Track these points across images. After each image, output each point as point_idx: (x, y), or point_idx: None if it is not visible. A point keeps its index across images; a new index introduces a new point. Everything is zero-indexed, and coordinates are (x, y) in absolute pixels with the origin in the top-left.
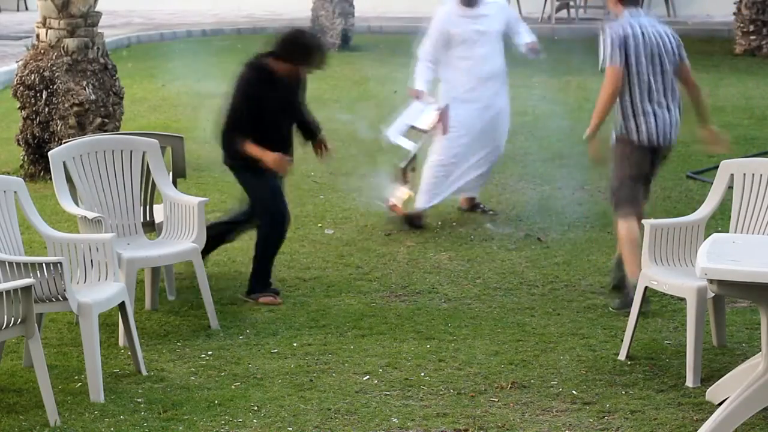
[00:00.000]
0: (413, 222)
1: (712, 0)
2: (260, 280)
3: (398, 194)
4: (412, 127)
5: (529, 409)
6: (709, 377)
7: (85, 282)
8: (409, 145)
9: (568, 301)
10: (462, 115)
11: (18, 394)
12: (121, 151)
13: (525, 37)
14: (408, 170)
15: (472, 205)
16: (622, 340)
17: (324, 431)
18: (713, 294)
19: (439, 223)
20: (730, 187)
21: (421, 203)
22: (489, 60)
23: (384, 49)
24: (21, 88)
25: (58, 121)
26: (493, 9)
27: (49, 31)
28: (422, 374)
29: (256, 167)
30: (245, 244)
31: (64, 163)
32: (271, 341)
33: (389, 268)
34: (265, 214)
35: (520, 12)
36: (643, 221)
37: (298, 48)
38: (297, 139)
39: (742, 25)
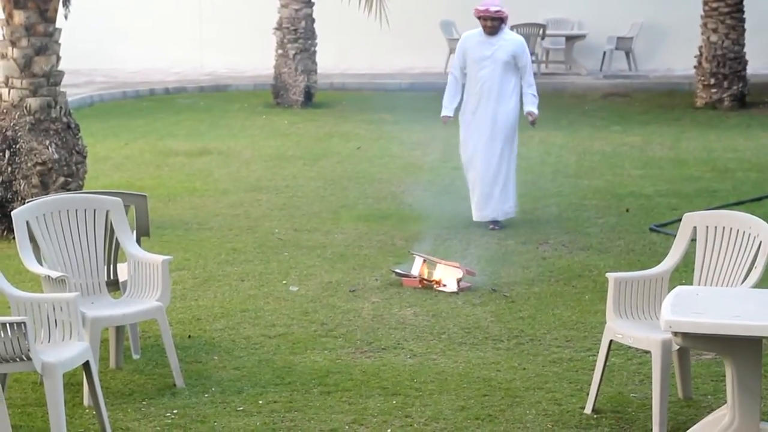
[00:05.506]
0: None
1: (673, 54)
2: None
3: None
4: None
5: None
6: (675, 430)
7: (49, 341)
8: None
9: (534, 355)
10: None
11: None
12: (85, 210)
13: (527, 104)
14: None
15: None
16: (588, 394)
17: None
18: (678, 346)
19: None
20: (693, 240)
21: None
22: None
23: (346, 105)
24: None
25: (21, 181)
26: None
27: (11, 90)
28: (389, 431)
29: None
30: (209, 302)
31: (27, 223)
32: (236, 399)
33: (354, 325)
34: None
35: None
36: (607, 274)
37: None
38: None
39: (702, 78)
